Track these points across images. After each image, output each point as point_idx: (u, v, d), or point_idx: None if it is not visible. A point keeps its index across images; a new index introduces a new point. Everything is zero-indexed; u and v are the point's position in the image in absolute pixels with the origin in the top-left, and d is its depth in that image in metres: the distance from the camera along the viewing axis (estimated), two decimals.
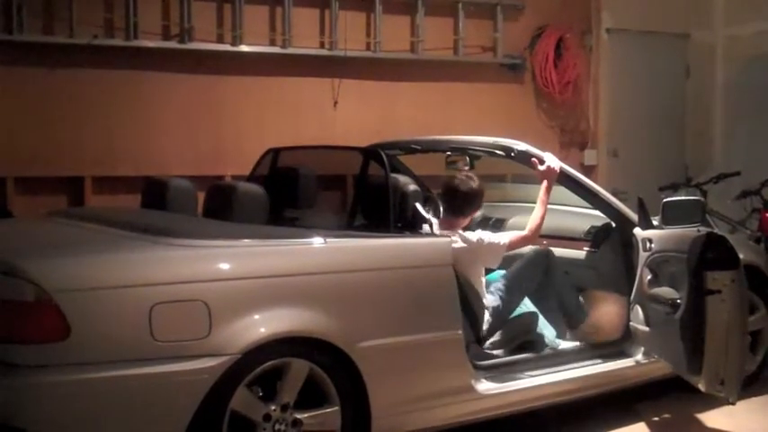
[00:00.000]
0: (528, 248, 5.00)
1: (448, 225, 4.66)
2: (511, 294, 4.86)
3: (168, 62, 6.45)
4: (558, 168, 4.79)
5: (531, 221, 4.74)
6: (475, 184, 4.72)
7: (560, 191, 5.07)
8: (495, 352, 4.70)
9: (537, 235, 4.76)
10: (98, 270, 3.42)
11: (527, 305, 4.94)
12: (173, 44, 6.46)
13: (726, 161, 8.37)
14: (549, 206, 5.39)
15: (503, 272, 5.19)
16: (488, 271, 4.96)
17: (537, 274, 4.96)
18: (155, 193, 4.64)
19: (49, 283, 3.27)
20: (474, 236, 4.66)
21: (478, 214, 5.80)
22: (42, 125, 6.09)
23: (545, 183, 4.78)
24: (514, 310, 4.84)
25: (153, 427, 3.41)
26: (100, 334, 3.32)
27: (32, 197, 6.05)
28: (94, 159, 6.21)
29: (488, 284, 4.95)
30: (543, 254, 4.98)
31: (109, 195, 6.21)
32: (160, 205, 4.54)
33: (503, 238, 4.72)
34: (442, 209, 4.70)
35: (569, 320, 5.05)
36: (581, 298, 5.11)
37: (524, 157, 4.80)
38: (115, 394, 3.32)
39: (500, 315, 4.77)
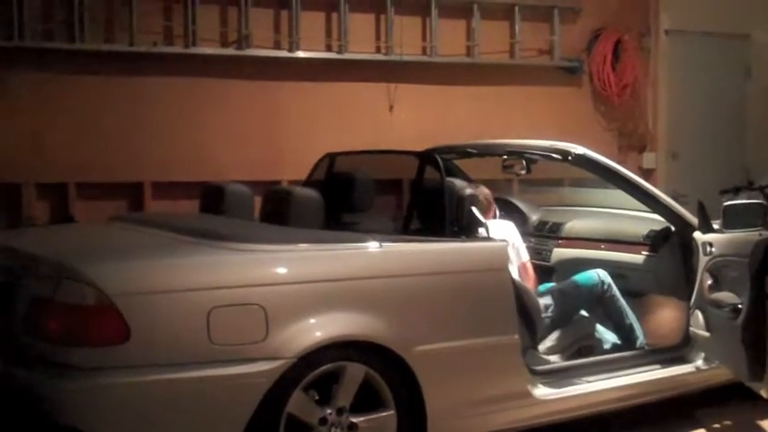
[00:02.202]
0: (590, 272, 5.00)
1: None
2: (564, 301, 4.86)
3: (226, 69, 6.51)
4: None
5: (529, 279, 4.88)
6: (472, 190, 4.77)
7: (619, 194, 5.02)
8: (551, 357, 4.67)
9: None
10: (157, 274, 3.47)
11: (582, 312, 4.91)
12: (231, 51, 6.53)
13: None
14: (607, 210, 5.41)
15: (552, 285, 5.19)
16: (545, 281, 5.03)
17: (591, 294, 4.95)
18: (213, 198, 4.68)
19: (110, 286, 3.31)
20: (507, 230, 4.81)
21: (535, 218, 5.78)
22: (103, 132, 6.19)
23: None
24: (566, 315, 4.82)
25: (210, 429, 3.44)
26: (159, 337, 3.36)
27: (93, 202, 6.15)
28: (154, 165, 6.29)
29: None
30: (602, 276, 4.97)
31: (168, 200, 6.28)
32: (218, 210, 4.57)
33: (527, 253, 4.92)
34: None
35: (625, 343, 4.99)
36: (635, 320, 5.05)
37: (581, 161, 4.76)
38: (173, 397, 3.36)
39: (552, 319, 4.75)
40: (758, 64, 8.73)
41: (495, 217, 5.09)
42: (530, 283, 4.84)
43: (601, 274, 5.00)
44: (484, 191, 5.05)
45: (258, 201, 4.58)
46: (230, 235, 3.81)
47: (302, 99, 6.76)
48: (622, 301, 5.01)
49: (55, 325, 3.38)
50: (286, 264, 3.68)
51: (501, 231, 4.71)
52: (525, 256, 4.87)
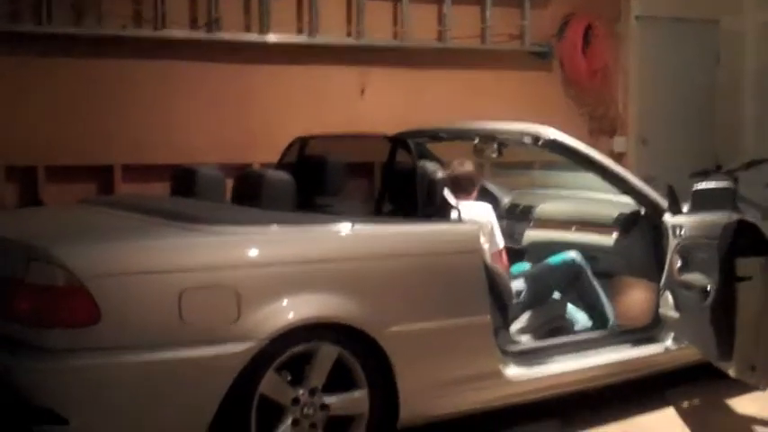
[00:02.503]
0: (565, 254, 5.02)
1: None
2: (537, 284, 4.89)
3: (196, 52, 6.47)
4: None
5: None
6: (462, 169, 4.99)
7: (589, 177, 5.06)
8: (523, 338, 4.70)
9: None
10: (128, 256, 3.46)
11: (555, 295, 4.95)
12: (201, 34, 6.48)
13: (756, 148, 8.29)
14: (578, 193, 5.45)
15: (527, 265, 5.21)
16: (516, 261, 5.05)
17: (564, 277, 4.99)
18: (184, 180, 4.66)
19: (80, 268, 3.30)
20: (484, 213, 4.78)
21: (507, 201, 5.80)
22: (72, 115, 6.13)
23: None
24: (538, 298, 4.86)
25: (182, 410, 3.44)
26: (130, 319, 3.35)
27: (63, 185, 6.09)
28: (124, 148, 6.25)
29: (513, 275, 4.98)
30: (576, 260, 5.00)
31: (138, 183, 6.24)
32: (189, 193, 4.56)
33: (502, 241, 4.87)
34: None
35: (597, 323, 5.02)
36: (607, 302, 5.09)
37: (553, 145, 4.78)
38: (145, 378, 3.36)
39: (523, 302, 4.78)
40: (727, 50, 8.80)
41: (475, 198, 5.10)
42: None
43: (575, 256, 5.02)
44: (468, 168, 5.05)
45: (230, 183, 4.57)
46: (202, 217, 3.81)
47: (274, 82, 6.72)
48: (595, 283, 5.05)
49: (26, 306, 3.37)
50: (258, 246, 3.68)
51: (478, 213, 4.72)
52: (500, 243, 4.86)
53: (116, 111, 6.24)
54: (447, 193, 4.36)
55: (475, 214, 4.66)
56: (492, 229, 4.76)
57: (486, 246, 4.59)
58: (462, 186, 4.88)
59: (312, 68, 6.85)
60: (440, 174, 4.39)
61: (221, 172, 4.77)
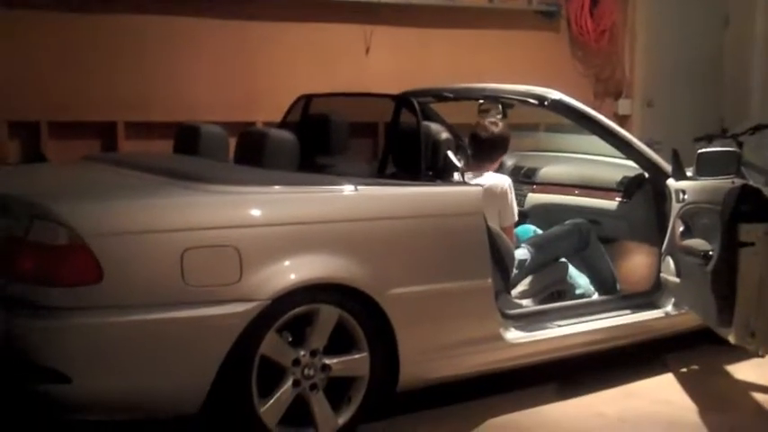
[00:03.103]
0: (571, 222, 5.02)
1: (476, 169, 4.77)
2: (542, 254, 4.87)
3: (200, 7, 6.41)
4: None
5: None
6: (496, 129, 4.88)
7: (593, 140, 5.04)
8: (524, 301, 4.71)
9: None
10: (130, 214, 3.45)
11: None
12: None
13: (763, 112, 8.24)
14: (581, 156, 5.43)
15: (534, 228, 5.19)
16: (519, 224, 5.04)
17: (570, 248, 4.97)
18: (187, 138, 4.65)
19: (82, 226, 3.30)
20: (502, 182, 4.73)
21: (509, 163, 5.78)
22: (75, 70, 6.10)
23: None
24: (542, 267, 4.86)
25: (183, 370, 3.46)
26: (132, 278, 3.35)
27: (66, 142, 6.07)
28: (127, 104, 6.22)
29: (519, 240, 4.97)
30: (584, 231, 4.98)
31: (141, 140, 6.22)
32: (192, 151, 4.55)
33: (514, 217, 4.82)
34: (470, 155, 4.78)
35: (600, 290, 5.02)
36: (611, 274, 5.10)
37: (557, 107, 4.76)
38: (146, 337, 3.37)
39: (526, 269, 4.78)
40: (736, 12, 8.72)
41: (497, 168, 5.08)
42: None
43: (582, 226, 5.01)
44: (504, 129, 4.95)
45: (233, 142, 4.55)
46: (204, 176, 3.79)
47: (278, 40, 6.68)
48: (602, 253, 5.05)
49: (28, 264, 3.37)
50: (260, 205, 3.67)
51: (497, 185, 4.73)
52: (509, 220, 4.80)
53: (120, 67, 6.20)
54: (450, 155, 4.34)
55: (493, 185, 4.67)
56: (508, 202, 4.75)
57: (495, 216, 4.60)
58: (482, 151, 4.87)
59: (317, 26, 6.80)
60: (444, 135, 4.37)
61: (224, 130, 4.75)
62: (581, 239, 5.00)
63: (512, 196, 4.80)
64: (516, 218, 4.86)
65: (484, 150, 4.88)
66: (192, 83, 6.40)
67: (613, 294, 5.00)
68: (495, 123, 4.91)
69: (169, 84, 6.33)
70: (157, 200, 3.59)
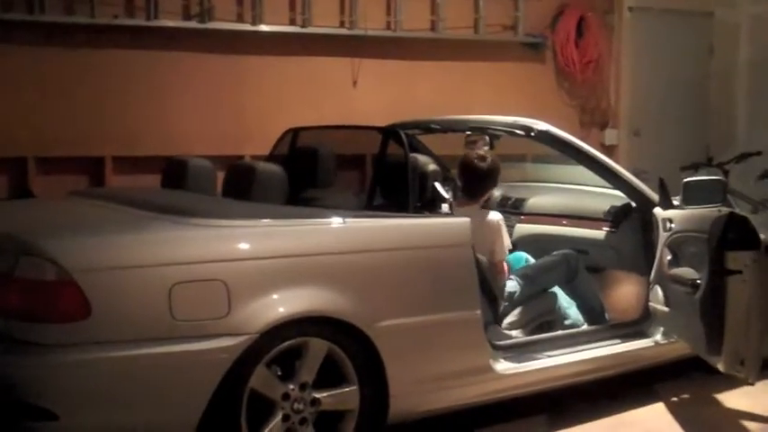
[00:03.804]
0: (560, 253, 5.03)
1: (466, 203, 4.76)
2: (531, 285, 4.87)
3: (188, 42, 6.45)
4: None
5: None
6: (487, 162, 4.84)
7: (580, 170, 5.06)
8: (513, 332, 4.71)
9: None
10: (118, 249, 3.45)
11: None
12: (193, 24, 6.47)
13: (748, 141, 8.29)
14: (568, 186, 5.45)
15: (526, 256, 5.19)
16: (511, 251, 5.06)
17: (559, 278, 4.98)
18: (175, 172, 4.65)
19: (70, 262, 3.29)
20: (496, 217, 4.74)
21: (497, 194, 5.80)
22: (64, 105, 6.12)
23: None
24: (531, 298, 4.85)
25: (172, 405, 3.44)
26: (120, 313, 3.34)
27: (53, 177, 6.08)
28: (115, 139, 6.23)
29: (512, 268, 4.97)
30: (572, 261, 4.99)
31: (129, 175, 6.23)
32: (180, 185, 4.55)
33: (504, 253, 4.79)
34: (459, 187, 4.78)
35: (589, 320, 5.02)
36: (600, 303, 5.10)
37: (544, 137, 4.79)
38: (135, 373, 3.35)
39: (515, 301, 4.78)
40: (721, 42, 8.79)
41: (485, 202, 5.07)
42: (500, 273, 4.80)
43: (570, 258, 5.01)
44: (493, 162, 4.89)
45: (221, 176, 4.56)
46: (192, 210, 3.79)
47: (266, 73, 6.71)
48: (590, 282, 5.05)
49: (15, 301, 3.35)
50: (248, 239, 3.67)
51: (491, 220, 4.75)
52: (501, 254, 4.77)
53: (108, 101, 6.22)
54: (438, 186, 4.36)
55: (488, 220, 4.71)
56: (501, 236, 4.75)
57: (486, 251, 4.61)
58: (471, 184, 4.84)
59: (305, 59, 6.84)
60: (431, 166, 4.40)
61: (213, 164, 4.76)
62: (569, 270, 5.01)
63: (504, 230, 4.81)
64: (507, 252, 4.86)
65: (474, 183, 4.86)
66: (180, 117, 6.42)
67: (602, 324, 4.99)
68: (484, 156, 4.87)
69: (157, 118, 6.35)
70: (145, 235, 3.59)
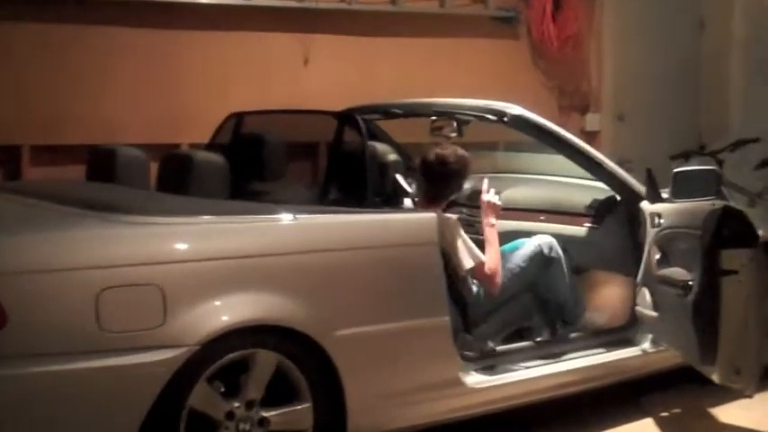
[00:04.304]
0: (533, 240, 5.00)
1: (426, 206, 4.65)
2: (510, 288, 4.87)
3: (117, 15, 6.38)
4: (495, 204, 4.80)
5: (491, 262, 4.66)
6: (450, 161, 4.68)
7: (559, 160, 5.09)
8: (486, 341, 4.71)
9: (497, 276, 4.69)
10: (38, 250, 3.41)
11: None
12: None
13: (744, 126, 8.39)
14: (545, 177, 5.42)
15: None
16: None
17: (536, 271, 4.95)
18: (102, 163, 4.63)
19: None
20: (453, 226, 4.58)
21: (467, 187, 5.80)
22: None
23: (486, 219, 4.76)
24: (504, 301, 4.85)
25: (102, 426, 3.41)
26: (41, 323, 3.31)
27: None
28: (34, 126, 6.15)
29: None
30: (545, 249, 4.96)
31: (50, 167, 6.15)
32: (108, 177, 4.52)
33: (474, 258, 4.56)
34: (421, 187, 4.73)
35: (565, 316, 5.03)
36: (576, 298, 5.11)
37: (518, 123, 4.80)
38: (57, 391, 3.31)
39: (483, 306, 4.77)
40: (712, 15, 8.87)
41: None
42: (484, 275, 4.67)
43: (544, 246, 4.98)
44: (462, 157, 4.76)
45: (154, 167, 4.53)
46: (122, 206, 3.78)
47: (205, 51, 6.66)
48: (565, 276, 5.05)
49: None
50: (186, 238, 3.66)
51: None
52: (475, 259, 4.58)
53: (26, 83, 6.13)
54: (400, 179, 4.36)
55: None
56: (458, 245, 4.59)
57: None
58: (435, 183, 4.70)
59: (249, 35, 6.80)
60: (392, 156, 4.40)
61: (145, 154, 4.73)
62: (543, 259, 4.96)
63: (462, 237, 4.60)
64: (480, 255, 4.63)
65: (434, 184, 4.72)
66: (107, 100, 6.35)
67: (576, 323, 5.02)
68: (446, 154, 4.69)
69: (81, 102, 6.27)
70: (68, 233, 3.56)
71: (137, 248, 3.54)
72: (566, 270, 5.03)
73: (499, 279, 4.67)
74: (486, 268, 4.62)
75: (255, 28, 6.83)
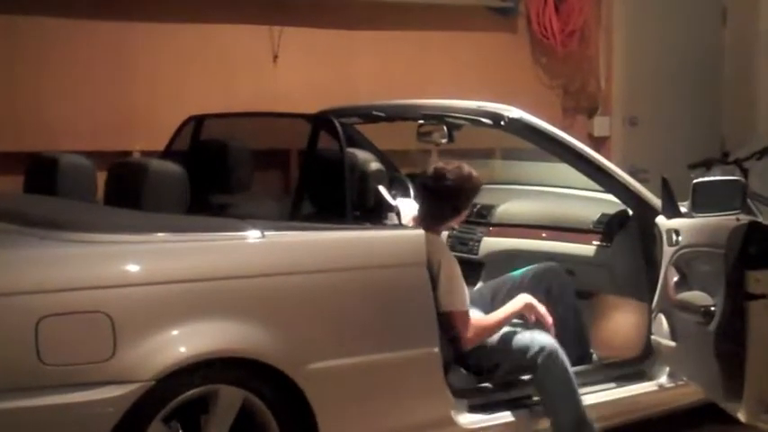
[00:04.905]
0: (534, 266, 5.02)
1: (423, 227, 4.59)
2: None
3: (58, 5, 6.38)
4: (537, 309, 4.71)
5: (489, 319, 4.65)
6: (452, 178, 4.60)
7: (563, 169, 5.11)
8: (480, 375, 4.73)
9: (476, 340, 4.61)
10: None
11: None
12: None
13: None
14: (548, 189, 5.44)
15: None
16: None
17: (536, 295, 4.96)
18: (41, 173, 4.64)
19: None
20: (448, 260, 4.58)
21: None
22: None
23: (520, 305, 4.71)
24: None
25: None
26: None
27: None
28: None
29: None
30: (549, 274, 4.98)
31: None
32: (49, 189, 4.54)
33: (457, 302, 4.49)
34: (418, 209, 4.72)
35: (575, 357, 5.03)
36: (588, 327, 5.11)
37: (517, 127, 4.82)
38: None
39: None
40: (736, 7, 8.92)
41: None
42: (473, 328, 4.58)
43: (549, 275, 4.99)
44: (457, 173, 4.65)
45: (102, 177, 4.53)
46: (65, 222, 3.79)
47: (160, 45, 6.66)
48: (572, 304, 5.07)
49: None
50: (139, 259, 3.67)
51: None
52: (466, 307, 4.54)
53: None
54: (383, 191, 4.37)
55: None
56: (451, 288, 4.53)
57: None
58: (436, 205, 4.63)
59: (211, 27, 6.81)
60: (374, 165, 4.41)
61: (91, 162, 4.74)
62: (544, 283, 4.95)
63: (449, 267, 4.52)
64: (465, 302, 4.55)
65: (431, 202, 4.66)
66: (48, 101, 6.34)
67: (590, 358, 5.03)
68: (448, 169, 4.60)
69: (19, 102, 6.26)
70: (3, 254, 3.56)
71: (82, 271, 3.54)
72: (570, 299, 5.02)
73: (475, 342, 4.58)
74: (473, 327, 4.55)
75: (218, 20, 6.83)
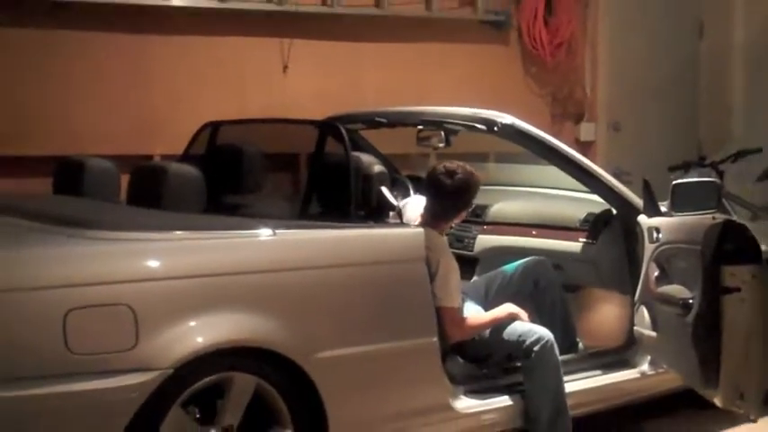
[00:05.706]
0: (524, 260, 5.02)
1: (428, 224, 4.59)
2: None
3: (88, 18, 6.36)
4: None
5: (474, 320, 4.63)
6: (456, 177, 4.57)
7: (552, 172, 5.10)
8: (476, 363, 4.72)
9: (470, 333, 4.62)
10: (1, 270, 3.39)
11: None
12: None
13: (746, 136, 8.42)
14: (538, 190, 5.44)
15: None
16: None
17: (525, 287, 4.95)
18: (69, 176, 4.63)
19: None
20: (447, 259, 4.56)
21: None
22: None
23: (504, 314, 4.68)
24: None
25: None
26: (4, 346, 3.30)
27: None
28: None
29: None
30: (538, 268, 4.99)
31: (13, 179, 6.13)
32: (76, 191, 4.53)
33: (448, 299, 4.45)
34: (423, 207, 4.71)
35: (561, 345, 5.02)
36: (574, 319, 5.11)
37: (509, 132, 4.82)
38: (24, 417, 3.30)
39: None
40: (711, 20, 8.91)
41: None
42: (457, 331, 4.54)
43: (538, 270, 4.99)
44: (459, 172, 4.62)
45: (125, 179, 4.52)
46: (92, 221, 3.78)
47: (179, 57, 6.66)
48: (559, 297, 5.07)
49: None
50: (159, 255, 3.66)
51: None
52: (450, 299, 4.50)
53: None
54: (385, 191, 4.37)
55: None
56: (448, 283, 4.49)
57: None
58: (440, 203, 4.61)
59: (225, 40, 6.80)
60: (377, 167, 4.41)
61: (115, 165, 4.74)
62: (530, 277, 4.96)
63: (446, 267, 4.50)
64: (456, 299, 4.54)
65: (437, 202, 4.64)
66: (76, 109, 6.33)
67: (577, 347, 5.03)
68: (453, 169, 4.58)
69: (48, 110, 6.25)
70: (34, 251, 3.55)
71: (106, 266, 3.53)
72: (555, 290, 5.02)
73: (457, 339, 4.53)
74: (459, 325, 4.51)
75: (232, 33, 6.82)
